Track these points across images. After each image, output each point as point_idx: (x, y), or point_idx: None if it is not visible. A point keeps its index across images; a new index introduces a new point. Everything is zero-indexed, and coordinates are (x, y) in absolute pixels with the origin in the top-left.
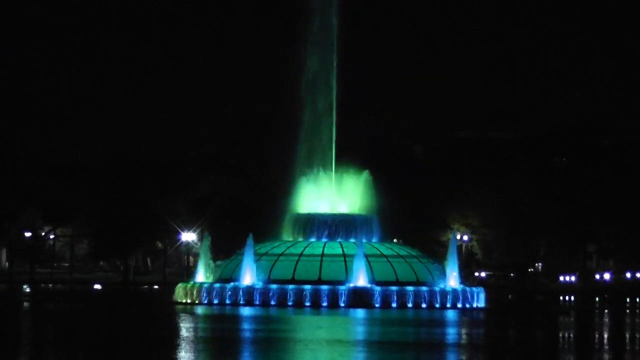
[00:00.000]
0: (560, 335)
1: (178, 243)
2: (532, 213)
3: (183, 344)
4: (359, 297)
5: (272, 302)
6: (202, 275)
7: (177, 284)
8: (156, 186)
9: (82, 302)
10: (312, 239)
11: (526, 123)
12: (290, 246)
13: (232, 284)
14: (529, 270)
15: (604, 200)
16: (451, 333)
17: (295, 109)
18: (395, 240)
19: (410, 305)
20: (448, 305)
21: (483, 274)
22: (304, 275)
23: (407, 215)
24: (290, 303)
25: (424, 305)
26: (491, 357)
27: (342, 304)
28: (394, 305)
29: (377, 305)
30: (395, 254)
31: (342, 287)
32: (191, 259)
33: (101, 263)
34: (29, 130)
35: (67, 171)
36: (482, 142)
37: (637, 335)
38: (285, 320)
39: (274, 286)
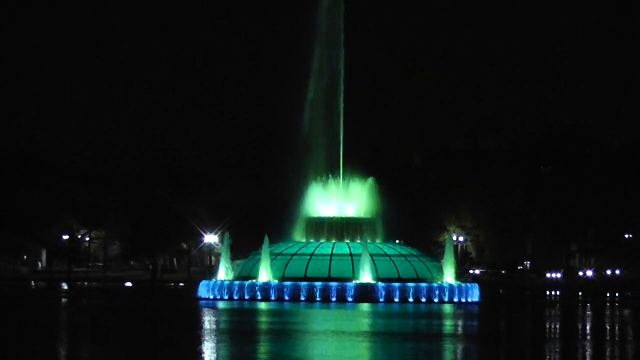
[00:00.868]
0: (547, 326)
1: (201, 244)
2: (521, 216)
3: (206, 335)
4: (365, 293)
5: (287, 298)
6: (223, 274)
7: (200, 281)
8: (181, 193)
9: (115, 298)
10: (323, 240)
11: (515, 134)
12: (303, 247)
13: (250, 281)
14: (519, 267)
15: (586, 204)
16: (448, 325)
17: (307, 123)
18: (397, 241)
19: (411, 300)
20: (445, 299)
21: (477, 272)
22: (315, 273)
23: (407, 218)
24: (303, 298)
25: (423, 300)
26: (485, 347)
27: (349, 299)
28: (396, 300)
29: (381, 300)
30: (397, 253)
31: (349, 284)
32: (213, 258)
33: (132, 263)
34: (66, 142)
35: (101, 179)
36: (475, 151)
37: (616, 327)
38: (298, 313)
39: (288, 283)
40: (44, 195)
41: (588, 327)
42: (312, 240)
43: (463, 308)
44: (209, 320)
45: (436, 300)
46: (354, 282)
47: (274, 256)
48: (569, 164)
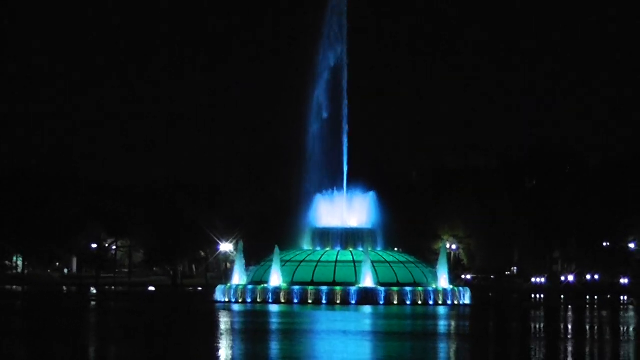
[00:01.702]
0: (532, 326)
1: (217, 252)
2: (508, 226)
3: (223, 334)
4: (367, 296)
5: (295, 301)
6: (237, 278)
7: (217, 285)
8: (199, 205)
9: (139, 301)
10: (328, 248)
11: (502, 151)
12: (310, 254)
13: (262, 285)
14: (506, 273)
15: (567, 215)
16: (442, 325)
17: (314, 141)
18: (395, 249)
19: (408, 302)
20: (440, 302)
21: (468, 277)
22: (321, 278)
23: (405, 228)
24: (310, 301)
25: (420, 302)
26: (476, 345)
27: (352, 302)
28: (395, 302)
29: (381, 303)
30: (396, 260)
31: (352, 288)
32: (228, 265)
33: (154, 269)
34: (96, 157)
35: (127, 193)
36: (466, 167)
37: (595, 326)
38: (306, 315)
39: (296, 287)
40: (74, 207)
41: (570, 327)
42: (318, 248)
43: (456, 310)
44: (224, 321)
45: (431, 303)
46: (356, 286)
47: (283, 263)
48: (551, 179)
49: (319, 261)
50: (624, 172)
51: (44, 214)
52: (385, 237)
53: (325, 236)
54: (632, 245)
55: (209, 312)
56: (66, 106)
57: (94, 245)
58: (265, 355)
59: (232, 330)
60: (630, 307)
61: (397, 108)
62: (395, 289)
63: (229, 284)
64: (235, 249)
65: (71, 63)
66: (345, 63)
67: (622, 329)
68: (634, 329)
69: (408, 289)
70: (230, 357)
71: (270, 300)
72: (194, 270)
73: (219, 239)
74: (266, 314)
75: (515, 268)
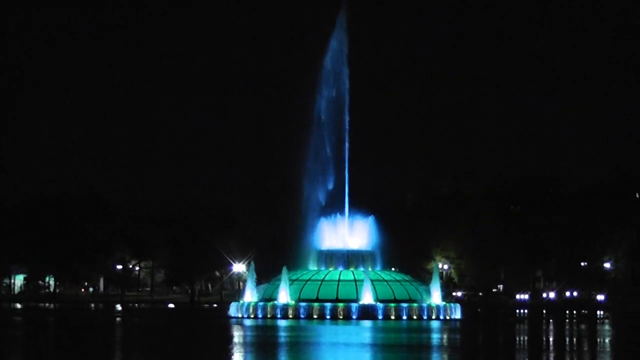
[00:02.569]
0: (517, 338)
1: (231, 272)
2: (495, 248)
3: (236, 346)
4: (366, 312)
5: (302, 316)
6: (249, 296)
7: (230, 302)
8: (214, 229)
9: (160, 317)
10: (331, 268)
11: (490, 179)
12: (315, 274)
13: (271, 302)
14: (493, 290)
15: (548, 238)
16: (436, 338)
17: (318, 171)
18: (392, 268)
19: (404, 317)
20: (433, 317)
21: (459, 294)
22: (325, 295)
23: (401, 250)
24: (315, 316)
25: (415, 317)
26: (467, 356)
27: (354, 317)
28: (392, 317)
29: (380, 318)
30: (393, 278)
31: (354, 304)
32: (241, 283)
33: (174, 287)
34: (120, 185)
35: (149, 218)
36: (457, 194)
37: (574, 338)
38: (311, 329)
39: (303, 304)
40: (101, 231)
41: (551, 339)
42: (322, 268)
43: (448, 324)
44: (237, 335)
45: (425, 318)
46: (357, 302)
47: (291, 281)
48: (534, 205)
49: (323, 280)
50: (599, 199)
51: (74, 239)
52: (383, 258)
53: (329, 257)
54: (607, 265)
55: (224, 326)
56: (93, 140)
57: (119, 266)
58: None
59: (245, 343)
60: (606, 320)
61: (395, 141)
62: (393, 305)
63: (241, 301)
64: (247, 269)
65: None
66: (346, 110)
67: (598, 340)
68: (609, 340)
69: (404, 305)
70: None
71: (279, 316)
72: (210, 288)
73: (232, 260)
74: (275, 328)
75: (501, 286)
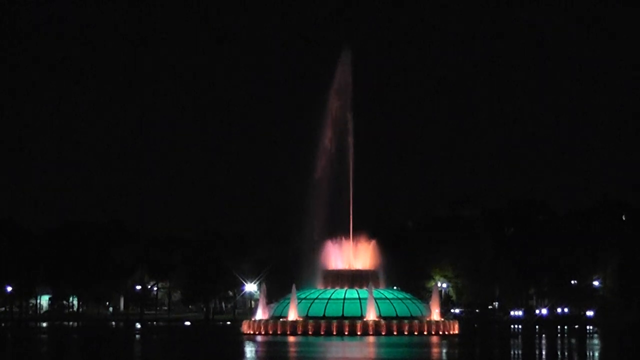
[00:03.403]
0: (512, 352)
1: (243, 291)
2: (490, 267)
3: None
4: (371, 328)
5: (310, 332)
6: (260, 314)
7: (243, 320)
8: (228, 251)
9: (177, 334)
10: (337, 288)
11: (486, 203)
12: (322, 293)
13: (281, 319)
14: (489, 307)
15: (540, 257)
16: (435, 352)
17: (324, 197)
18: (394, 287)
19: (406, 333)
20: (433, 332)
21: (457, 311)
22: (331, 312)
23: (402, 270)
24: (322, 332)
25: (416, 333)
26: None
27: (358, 333)
28: (395, 333)
29: (383, 333)
30: (395, 297)
31: (358, 321)
32: (253, 302)
33: (190, 306)
34: (139, 211)
35: (166, 242)
36: (454, 217)
37: (565, 352)
38: (319, 344)
39: (311, 321)
40: (122, 254)
41: (543, 353)
42: (329, 288)
43: (446, 339)
44: (249, 350)
45: (425, 333)
46: (362, 319)
47: (299, 300)
48: (527, 227)
49: (329, 298)
50: (588, 221)
51: (96, 262)
52: (385, 278)
53: (335, 277)
54: (596, 283)
55: (237, 342)
56: (114, 168)
57: (139, 287)
58: None
59: (257, 358)
60: (595, 335)
61: (396, 169)
62: (395, 321)
63: (253, 319)
64: (259, 288)
65: (117, 128)
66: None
67: (588, 353)
68: (598, 354)
69: (406, 321)
70: None
71: (288, 332)
72: (224, 307)
73: (244, 281)
74: (285, 343)
75: (496, 303)
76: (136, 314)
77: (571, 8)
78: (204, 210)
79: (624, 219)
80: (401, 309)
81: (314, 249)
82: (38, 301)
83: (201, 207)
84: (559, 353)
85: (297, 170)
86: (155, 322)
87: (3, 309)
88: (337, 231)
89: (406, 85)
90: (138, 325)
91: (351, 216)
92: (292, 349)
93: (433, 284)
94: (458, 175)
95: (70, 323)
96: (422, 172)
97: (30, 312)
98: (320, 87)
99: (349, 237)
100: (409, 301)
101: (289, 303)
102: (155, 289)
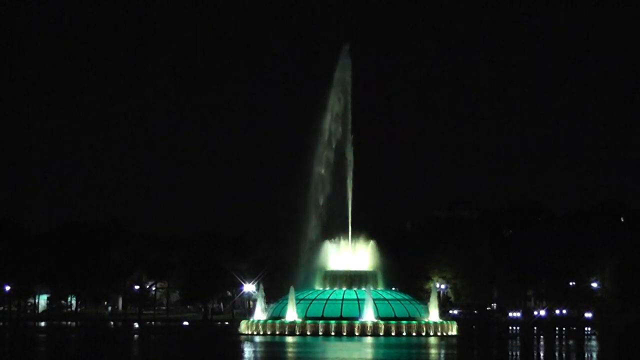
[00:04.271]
0: (510, 353)
1: (241, 292)
2: (488, 269)
3: None
4: (369, 329)
5: (308, 333)
6: (259, 314)
7: (241, 320)
8: (226, 252)
9: (175, 334)
10: (335, 288)
11: (484, 205)
12: (320, 293)
13: (280, 320)
14: (487, 308)
15: (539, 259)
16: (433, 353)
17: (323, 197)
18: (393, 288)
19: (404, 334)
20: (431, 333)
21: (455, 312)
22: (330, 313)
23: (401, 271)
24: (320, 333)
25: (414, 334)
26: None
27: (356, 334)
28: (393, 334)
29: (381, 334)
30: (393, 297)
31: (356, 322)
32: (251, 302)
33: (188, 306)
34: (139, 212)
35: (165, 242)
36: (453, 218)
37: (563, 353)
38: (317, 345)
39: (309, 321)
40: (121, 254)
41: (541, 354)
42: (327, 288)
43: (445, 340)
44: (248, 350)
45: (423, 334)
46: (360, 320)
47: (298, 300)
48: (525, 229)
49: (328, 299)
50: (586, 223)
51: (95, 262)
52: (384, 278)
53: (334, 278)
54: (594, 285)
55: (235, 343)
56: (112, 169)
57: (137, 287)
58: None
59: (255, 358)
60: (593, 337)
61: (395, 170)
62: (393, 322)
63: (251, 319)
64: (257, 289)
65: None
66: (350, 147)
67: (586, 355)
68: (596, 355)
69: (404, 322)
70: None
71: (286, 333)
72: (222, 307)
73: (243, 281)
74: (284, 344)
75: (495, 304)
76: (134, 314)
77: (571, 8)
78: (202, 210)
79: (622, 220)
80: (399, 310)
81: (313, 250)
82: (36, 300)
83: (200, 207)
84: (557, 354)
85: (296, 170)
86: (153, 322)
87: (1, 308)
88: (336, 232)
89: (406, 85)
90: (136, 325)
91: (350, 217)
92: (290, 350)
93: (431, 285)
94: (457, 176)
95: (69, 323)
96: (421, 173)
97: (29, 311)
98: (319, 86)
99: (348, 237)
100: (407, 302)
101: (287, 303)
102: (153, 289)
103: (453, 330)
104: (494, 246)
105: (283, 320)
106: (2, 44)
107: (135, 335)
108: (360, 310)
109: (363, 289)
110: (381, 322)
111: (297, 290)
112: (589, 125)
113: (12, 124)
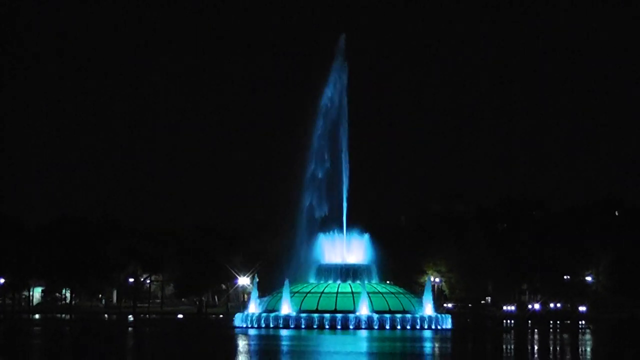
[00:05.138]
0: (504, 347)
1: (236, 285)
2: (483, 262)
3: (241, 355)
4: (363, 322)
5: (302, 326)
6: (253, 307)
7: (236, 313)
8: (221, 245)
9: (169, 327)
10: (330, 282)
11: (479, 199)
12: (315, 286)
13: (274, 313)
14: (481, 302)
15: (533, 253)
16: (428, 346)
17: (319, 192)
18: (387, 282)
19: (399, 327)
20: (425, 327)
21: (449, 305)
22: (324, 307)
23: (395, 264)
24: (315, 326)
25: (408, 327)
26: None
27: (351, 327)
28: (387, 327)
29: (375, 327)
30: (388, 291)
31: (351, 315)
32: (245, 296)
33: (183, 299)
34: (133, 206)
35: (160, 236)
36: (448, 213)
37: (557, 347)
38: (311, 338)
39: (303, 315)
40: (115, 248)
41: (536, 347)
42: (322, 282)
43: (439, 333)
44: (242, 344)
45: (418, 327)
46: (354, 313)
47: (292, 294)
48: (520, 223)
49: (322, 292)
50: (581, 217)
51: (90, 256)
52: (379, 272)
53: (328, 271)
54: (588, 278)
55: (229, 336)
56: (107, 163)
57: (132, 280)
58: None
59: (249, 351)
60: (587, 330)
61: (391, 164)
62: (388, 316)
63: (246, 312)
64: (252, 282)
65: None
66: (346, 143)
67: (580, 349)
68: (590, 348)
69: (398, 315)
70: None
71: (281, 326)
72: (217, 300)
73: (237, 274)
74: (278, 337)
75: (489, 298)
76: (129, 307)
77: (571, 8)
78: (197, 203)
79: (617, 215)
80: (394, 304)
81: (308, 243)
82: (30, 293)
83: (194, 200)
84: (551, 348)
85: (291, 163)
86: (148, 315)
87: None
88: (331, 225)
89: (401, 81)
90: (131, 318)
91: (345, 210)
92: (285, 343)
93: (426, 278)
94: (452, 170)
95: (63, 315)
96: (416, 168)
97: (23, 304)
98: (315, 81)
99: (343, 231)
100: (401, 296)
101: (281, 297)
102: (148, 282)
103: (447, 324)
104: (489, 240)
105: (278, 313)
106: (2, 44)
107: (130, 328)
108: (354, 304)
109: (358, 282)
110: (376, 315)
111: (291, 283)
112: (585, 122)
113: (7, 118)
